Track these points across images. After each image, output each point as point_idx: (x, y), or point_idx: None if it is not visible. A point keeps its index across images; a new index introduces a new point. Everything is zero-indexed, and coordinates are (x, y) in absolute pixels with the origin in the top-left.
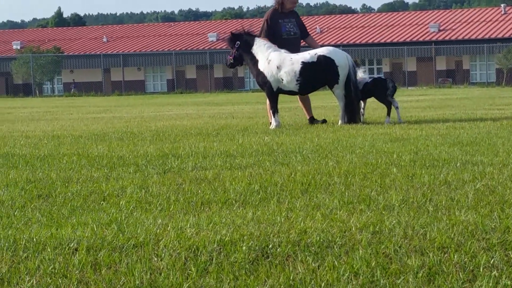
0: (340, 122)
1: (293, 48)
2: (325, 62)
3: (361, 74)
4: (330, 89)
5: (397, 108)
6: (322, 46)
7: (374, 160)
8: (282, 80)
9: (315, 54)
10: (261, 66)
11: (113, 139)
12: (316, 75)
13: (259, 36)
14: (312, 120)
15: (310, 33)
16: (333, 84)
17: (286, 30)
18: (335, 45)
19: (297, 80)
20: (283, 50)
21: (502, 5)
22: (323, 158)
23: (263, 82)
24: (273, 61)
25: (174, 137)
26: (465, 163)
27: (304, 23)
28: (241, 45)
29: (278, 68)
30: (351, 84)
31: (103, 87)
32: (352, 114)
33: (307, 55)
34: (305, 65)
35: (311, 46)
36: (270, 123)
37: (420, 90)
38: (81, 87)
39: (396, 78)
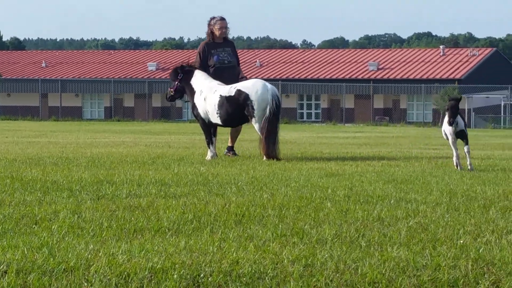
0: (265, 157)
1: (229, 76)
2: (240, 96)
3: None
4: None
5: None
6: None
7: (308, 194)
8: (208, 112)
9: (235, 88)
10: (196, 98)
11: (48, 164)
12: (233, 109)
13: (195, 67)
14: (230, 150)
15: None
16: (251, 118)
17: (219, 59)
18: (274, 79)
19: (217, 113)
20: (216, 82)
21: (441, 46)
22: (258, 190)
23: (196, 114)
24: (204, 92)
25: (110, 164)
26: (399, 200)
27: (239, 56)
28: (184, 77)
29: (205, 100)
30: (272, 118)
31: (40, 112)
32: (271, 148)
33: (227, 88)
34: (222, 98)
35: None
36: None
37: (357, 127)
38: (17, 111)
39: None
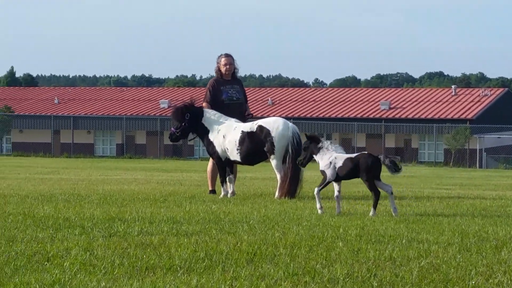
0: (277, 194)
1: (237, 113)
2: (261, 132)
3: (335, 148)
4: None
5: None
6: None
7: (320, 233)
8: (227, 149)
9: (256, 124)
10: (211, 136)
11: (60, 201)
12: (254, 145)
13: (202, 106)
14: (213, 193)
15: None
16: (270, 154)
17: (228, 96)
18: (286, 118)
19: (237, 149)
20: (233, 120)
21: (453, 86)
22: (269, 229)
23: (212, 152)
24: (222, 130)
25: (121, 201)
26: (410, 240)
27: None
28: (191, 116)
29: (224, 137)
30: (292, 156)
31: (52, 149)
32: (292, 188)
33: (249, 124)
34: (244, 134)
35: None
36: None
37: None
38: (29, 148)
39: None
